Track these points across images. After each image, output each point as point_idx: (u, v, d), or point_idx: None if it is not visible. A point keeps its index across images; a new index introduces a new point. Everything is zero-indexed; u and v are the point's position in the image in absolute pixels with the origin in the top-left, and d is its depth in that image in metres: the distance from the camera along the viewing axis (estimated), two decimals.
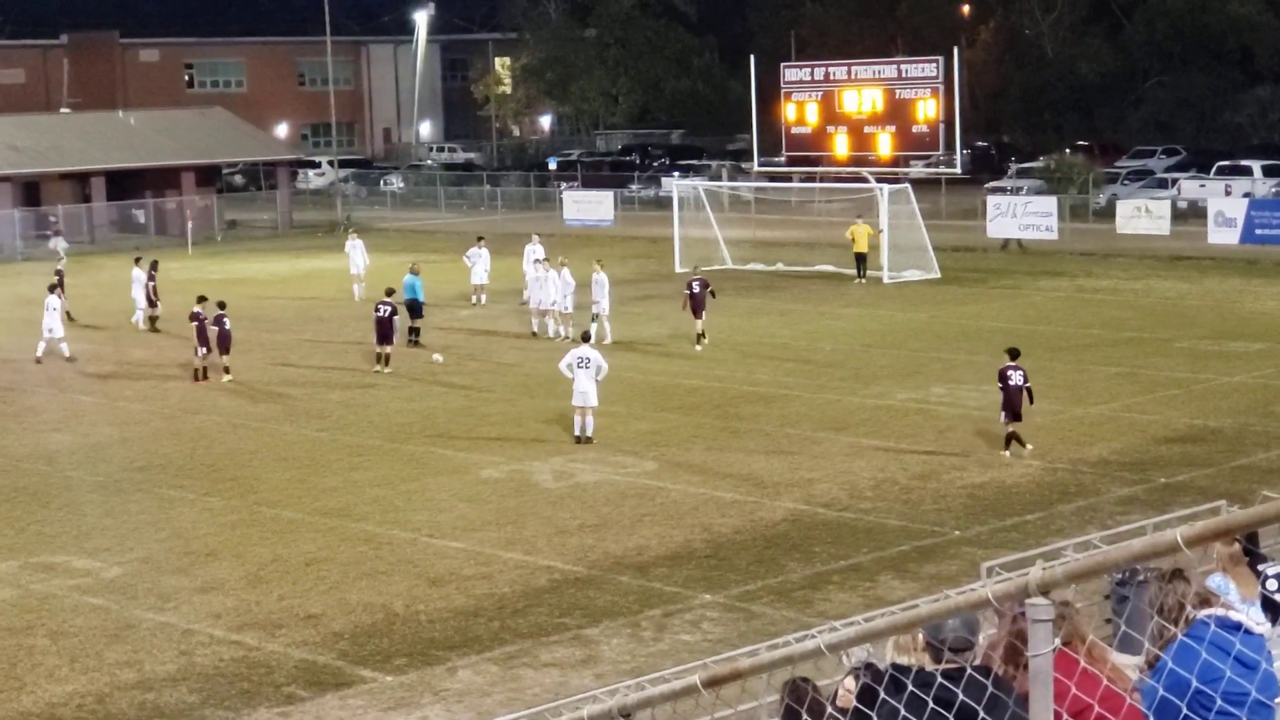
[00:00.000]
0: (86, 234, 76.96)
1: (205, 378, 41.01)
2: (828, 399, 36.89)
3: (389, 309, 41.72)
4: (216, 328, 41.26)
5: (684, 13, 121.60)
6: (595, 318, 44.53)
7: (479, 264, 53.60)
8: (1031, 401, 31.00)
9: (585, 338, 34.81)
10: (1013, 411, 30.84)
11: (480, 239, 55.70)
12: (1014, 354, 31.58)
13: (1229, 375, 38.26)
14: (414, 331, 45.53)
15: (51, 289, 45.51)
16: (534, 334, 46.62)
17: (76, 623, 23.16)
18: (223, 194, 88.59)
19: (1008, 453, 31.03)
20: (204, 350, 41.11)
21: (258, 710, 19.97)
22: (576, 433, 33.33)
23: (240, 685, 20.70)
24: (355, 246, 56.72)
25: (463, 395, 38.83)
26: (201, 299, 42.16)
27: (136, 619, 23.24)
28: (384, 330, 41.62)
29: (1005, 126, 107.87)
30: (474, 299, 53.35)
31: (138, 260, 51.25)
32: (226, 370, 41.09)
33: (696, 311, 44.00)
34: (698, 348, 43.65)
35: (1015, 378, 30.76)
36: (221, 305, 42.16)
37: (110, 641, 22.37)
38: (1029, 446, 30.95)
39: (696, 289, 44.29)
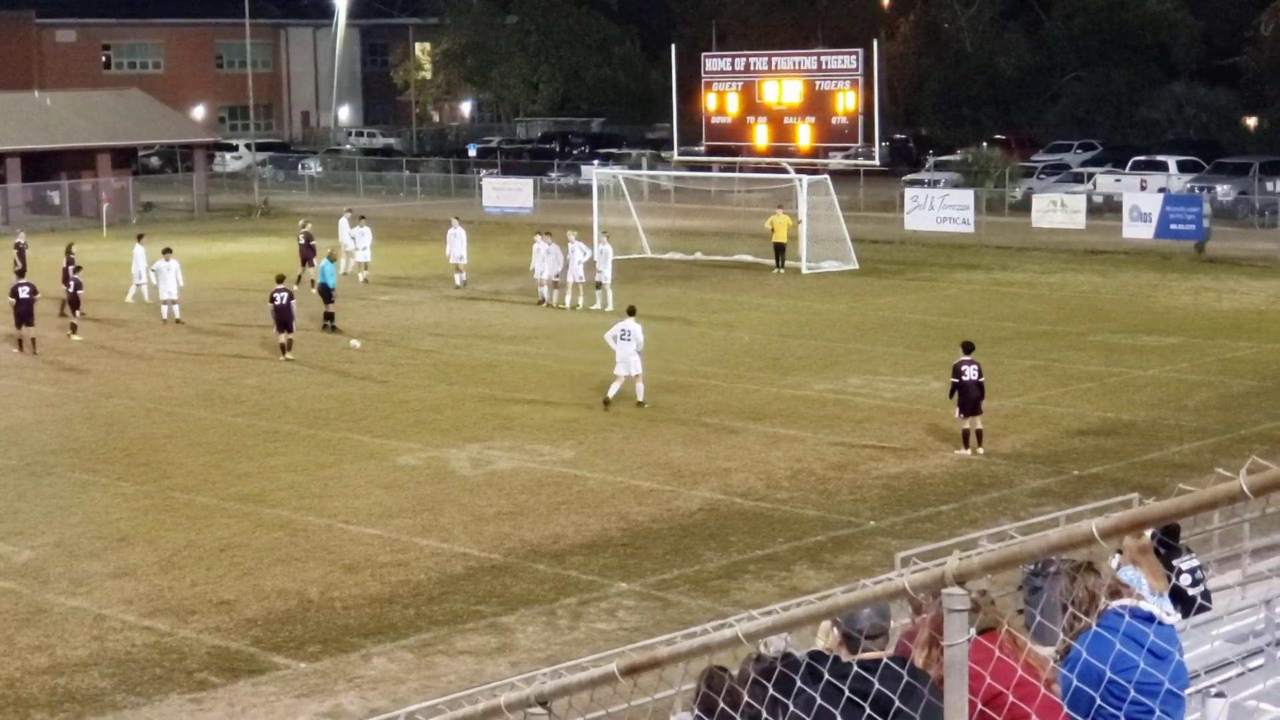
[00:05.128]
0: (1, 215, 76.09)
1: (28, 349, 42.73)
2: (745, 389, 36.98)
3: (285, 295, 41.53)
4: (13, 299, 42.92)
5: (605, 1, 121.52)
6: (599, 286, 48.20)
7: (361, 241, 54.94)
8: (982, 397, 30.49)
9: (631, 311, 35.57)
10: (970, 407, 30.35)
11: (348, 210, 56.75)
12: (968, 348, 31.03)
13: (1142, 369, 38.60)
14: (329, 317, 45.28)
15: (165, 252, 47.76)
16: (540, 302, 49.47)
17: None
18: (139, 176, 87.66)
19: (967, 450, 30.41)
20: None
21: (170, 696, 19.86)
22: (610, 395, 34.66)
23: (152, 671, 20.58)
24: (363, 233, 56.38)
25: (380, 382, 38.69)
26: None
27: (48, 603, 23.06)
28: (283, 317, 41.40)
29: (924, 120, 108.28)
30: (361, 278, 53.77)
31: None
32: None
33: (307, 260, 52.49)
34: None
35: (970, 372, 30.27)
36: (20, 273, 46.09)
37: (21, 626, 22.19)
38: (981, 449, 30.53)
39: (303, 240, 54.27)
